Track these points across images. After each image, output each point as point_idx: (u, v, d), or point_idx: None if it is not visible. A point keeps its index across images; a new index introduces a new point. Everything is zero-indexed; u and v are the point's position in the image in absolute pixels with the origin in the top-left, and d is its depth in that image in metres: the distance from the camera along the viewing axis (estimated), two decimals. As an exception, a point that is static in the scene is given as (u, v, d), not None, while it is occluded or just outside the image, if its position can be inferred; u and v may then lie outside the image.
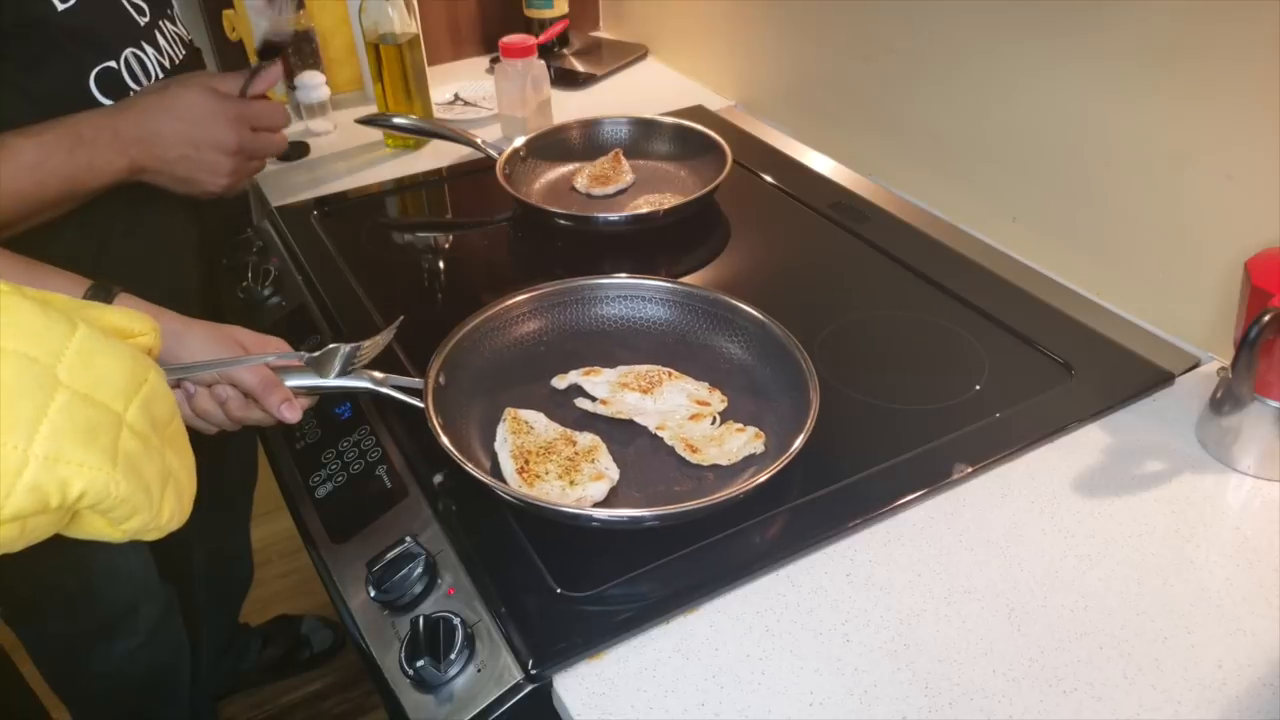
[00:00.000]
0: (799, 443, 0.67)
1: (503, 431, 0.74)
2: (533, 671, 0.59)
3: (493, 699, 0.59)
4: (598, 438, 0.74)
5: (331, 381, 0.71)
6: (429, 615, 0.61)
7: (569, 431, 0.74)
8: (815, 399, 0.71)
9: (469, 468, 0.66)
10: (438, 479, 0.73)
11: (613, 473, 0.71)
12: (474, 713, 0.59)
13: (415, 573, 0.65)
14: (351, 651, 1.52)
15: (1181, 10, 0.78)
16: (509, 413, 0.75)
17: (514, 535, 0.68)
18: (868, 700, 0.58)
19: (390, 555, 0.65)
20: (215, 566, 1.30)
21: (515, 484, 0.69)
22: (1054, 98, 0.92)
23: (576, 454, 0.72)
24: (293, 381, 0.70)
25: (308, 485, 0.77)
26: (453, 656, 0.60)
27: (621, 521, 0.66)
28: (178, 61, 0.90)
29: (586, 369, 0.81)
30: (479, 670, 0.61)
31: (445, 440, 0.67)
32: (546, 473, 0.69)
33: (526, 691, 0.59)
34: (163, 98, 0.82)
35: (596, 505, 0.68)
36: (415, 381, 0.73)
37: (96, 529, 0.39)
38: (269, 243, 1.10)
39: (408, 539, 0.66)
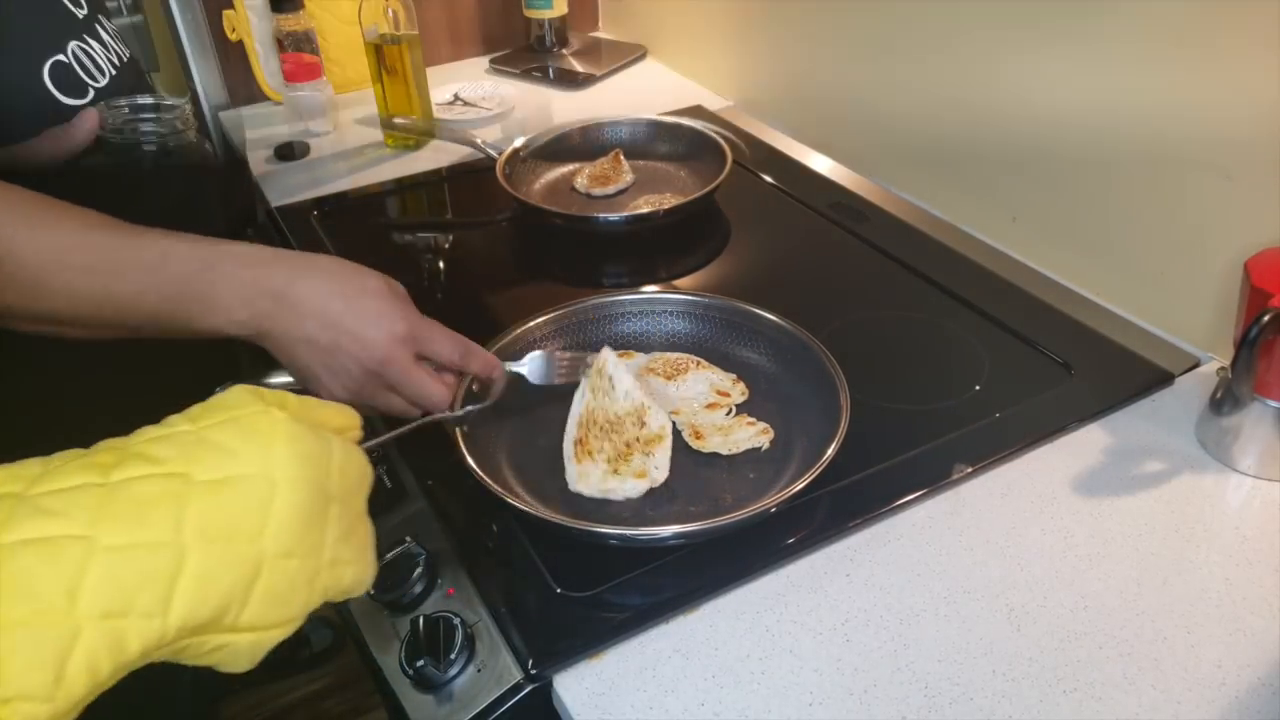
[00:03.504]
0: (831, 451, 0.66)
1: (584, 383, 0.72)
2: (533, 671, 0.59)
3: (493, 699, 0.59)
4: (668, 428, 0.72)
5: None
6: (429, 615, 0.61)
7: (644, 408, 0.72)
8: (846, 406, 0.70)
9: (491, 485, 0.65)
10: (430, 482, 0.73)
11: (659, 474, 0.69)
12: (474, 713, 0.59)
13: (415, 573, 0.65)
14: (351, 651, 1.52)
15: (1181, 10, 0.78)
16: (605, 353, 0.73)
17: (514, 535, 0.68)
18: (867, 700, 0.58)
19: (390, 555, 0.65)
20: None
21: (569, 455, 0.69)
22: (1054, 98, 0.92)
23: (637, 439, 0.71)
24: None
25: (308, 485, 0.77)
26: (453, 656, 0.60)
27: (642, 540, 0.66)
28: (124, 59, 0.89)
29: (622, 351, 0.80)
30: (479, 670, 0.61)
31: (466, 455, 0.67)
32: (600, 450, 0.69)
33: (526, 691, 0.59)
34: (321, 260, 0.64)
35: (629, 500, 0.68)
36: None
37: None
38: (269, 243, 1.09)
39: (408, 539, 0.66)
